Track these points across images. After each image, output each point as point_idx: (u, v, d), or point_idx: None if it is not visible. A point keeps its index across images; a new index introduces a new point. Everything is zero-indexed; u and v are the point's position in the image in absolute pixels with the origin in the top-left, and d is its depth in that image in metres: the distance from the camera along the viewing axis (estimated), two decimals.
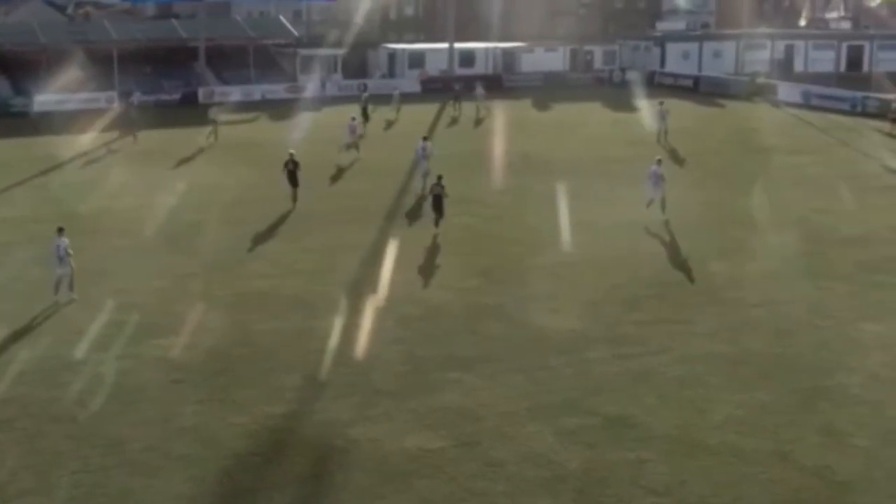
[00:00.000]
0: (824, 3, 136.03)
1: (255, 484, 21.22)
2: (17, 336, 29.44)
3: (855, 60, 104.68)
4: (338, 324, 30.54)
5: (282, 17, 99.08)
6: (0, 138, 64.81)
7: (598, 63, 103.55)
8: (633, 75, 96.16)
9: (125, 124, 65.27)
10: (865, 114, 75.86)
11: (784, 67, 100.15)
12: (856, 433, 23.39)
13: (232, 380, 26.41)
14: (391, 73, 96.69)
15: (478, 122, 73.38)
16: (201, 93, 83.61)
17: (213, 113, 65.73)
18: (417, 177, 48.94)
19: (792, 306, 32.13)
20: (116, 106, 77.45)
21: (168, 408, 24.71)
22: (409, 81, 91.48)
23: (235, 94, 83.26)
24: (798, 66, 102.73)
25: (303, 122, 69.69)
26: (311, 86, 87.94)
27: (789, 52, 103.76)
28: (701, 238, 40.06)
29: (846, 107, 78.33)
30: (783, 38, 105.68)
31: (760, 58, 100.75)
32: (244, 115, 71.61)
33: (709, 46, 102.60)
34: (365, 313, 31.50)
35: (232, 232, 41.16)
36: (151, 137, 64.75)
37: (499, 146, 58.97)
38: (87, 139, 63.24)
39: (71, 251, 32.45)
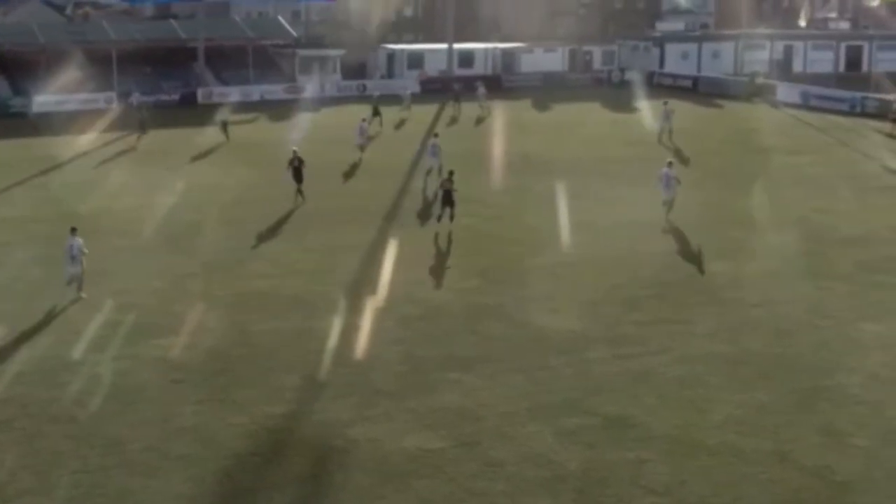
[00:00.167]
0: (823, 4, 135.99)
1: (255, 484, 21.21)
2: (17, 336, 29.41)
3: (854, 61, 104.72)
4: (337, 324, 30.54)
5: (280, 18, 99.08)
6: (0, 139, 64.81)
7: (597, 63, 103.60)
8: (632, 76, 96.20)
9: (137, 124, 65.26)
10: (865, 114, 75.87)
11: (783, 68, 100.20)
12: (856, 433, 23.38)
13: (231, 380, 26.40)
14: (390, 74, 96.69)
15: (479, 120, 73.48)
16: (200, 93, 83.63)
17: (221, 115, 66.22)
18: (425, 173, 49.36)
19: (792, 306, 32.13)
20: (115, 106, 77.59)
21: (167, 408, 24.70)
22: (409, 82, 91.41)
23: (234, 94, 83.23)
24: (797, 66, 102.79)
25: (302, 123, 69.71)
26: (309, 86, 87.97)
27: (788, 52, 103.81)
28: (701, 238, 40.06)
29: (845, 107, 78.33)
30: (782, 38, 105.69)
31: (759, 58, 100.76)
32: (243, 116, 71.53)
33: (708, 47, 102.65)
34: (365, 313, 31.50)
35: (231, 232, 41.17)
36: (151, 138, 64.72)
37: (498, 146, 58.98)
38: (86, 139, 63.28)
39: (86, 250, 32.74)
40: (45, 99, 77.88)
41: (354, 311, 31.77)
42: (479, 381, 26.30)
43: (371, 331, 30.05)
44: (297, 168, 46.15)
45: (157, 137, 64.84)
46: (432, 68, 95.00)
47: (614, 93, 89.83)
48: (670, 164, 44.01)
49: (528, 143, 61.59)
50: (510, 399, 25.24)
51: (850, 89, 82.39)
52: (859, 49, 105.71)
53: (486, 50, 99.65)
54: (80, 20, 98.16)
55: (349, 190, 49.27)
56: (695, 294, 33.43)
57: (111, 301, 32.49)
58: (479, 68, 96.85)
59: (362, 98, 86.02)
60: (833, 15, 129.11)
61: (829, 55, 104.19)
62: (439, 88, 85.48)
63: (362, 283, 34.81)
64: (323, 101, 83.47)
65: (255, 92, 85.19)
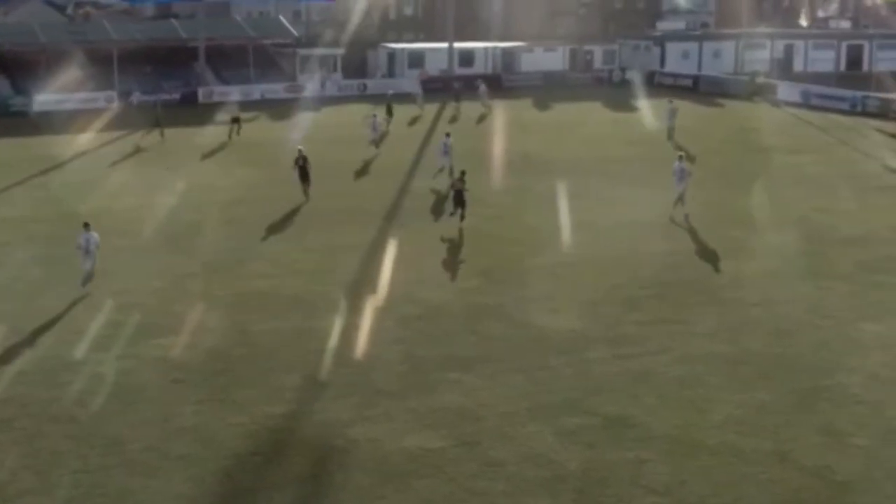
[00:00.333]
0: (823, 3, 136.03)
1: (255, 484, 21.20)
2: (17, 336, 29.38)
3: (854, 60, 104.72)
4: (338, 324, 30.54)
5: (281, 17, 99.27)
6: (0, 138, 64.80)
7: (597, 63, 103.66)
8: (632, 75, 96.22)
9: (152, 123, 65.34)
10: (865, 113, 75.89)
11: (783, 67, 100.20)
12: (856, 433, 23.37)
13: (232, 380, 26.40)
14: (391, 73, 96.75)
15: (480, 119, 73.57)
16: (201, 92, 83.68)
17: (232, 111, 66.92)
18: (436, 171, 49.61)
19: (792, 306, 32.12)
20: (116, 105, 77.68)
21: (168, 408, 24.70)
22: (409, 81, 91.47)
23: (235, 93, 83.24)
24: (798, 65, 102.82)
25: (302, 122, 69.71)
26: (310, 85, 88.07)
27: (789, 51, 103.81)
28: (701, 238, 40.09)
29: (846, 106, 78.33)
30: (783, 37, 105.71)
31: (760, 57, 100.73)
32: (244, 115, 71.44)
33: (708, 46, 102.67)
34: (365, 313, 31.50)
35: (232, 232, 41.19)
36: (152, 137, 64.73)
37: (499, 146, 58.98)
38: (86, 139, 63.34)
39: (99, 245, 33.27)
40: (45, 98, 77.99)
41: (355, 310, 31.77)
42: (479, 381, 26.30)
43: (371, 331, 30.04)
44: (302, 167, 46.48)
45: (158, 137, 64.78)
46: (433, 67, 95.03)
47: (615, 92, 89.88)
48: (681, 157, 44.31)
49: (528, 143, 61.61)
50: (510, 399, 25.23)
51: (850, 88, 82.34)
52: (860, 48, 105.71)
53: (486, 49, 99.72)
54: (80, 20, 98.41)
55: (350, 189, 49.26)
56: (695, 294, 33.42)
57: (112, 301, 32.50)
58: (479, 67, 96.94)
59: (363, 97, 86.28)
60: (833, 13, 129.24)
61: (830, 54, 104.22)
62: (440, 88, 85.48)
63: (362, 282, 34.82)
64: (323, 101, 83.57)
65: (256, 91, 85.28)
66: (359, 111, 77.66)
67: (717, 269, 36.10)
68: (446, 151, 49.99)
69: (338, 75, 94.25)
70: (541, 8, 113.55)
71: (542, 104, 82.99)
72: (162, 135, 63.93)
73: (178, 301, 32.72)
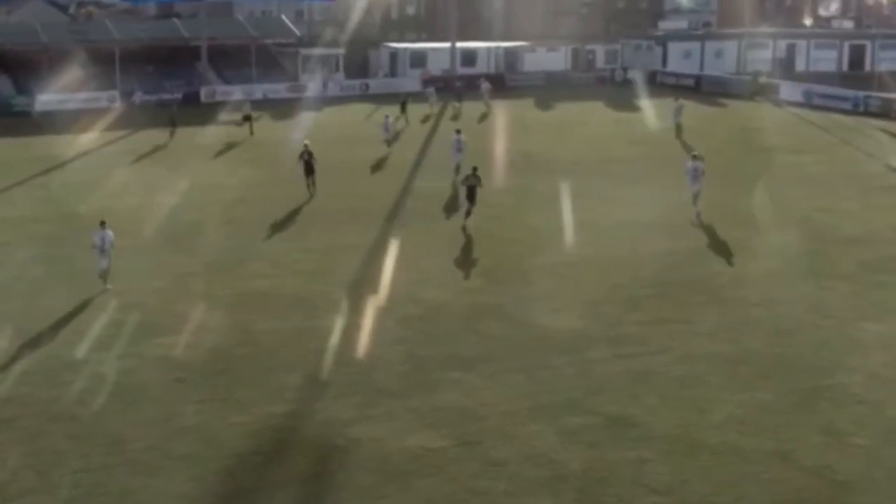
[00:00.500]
0: (826, 2, 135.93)
1: (257, 483, 21.23)
2: (19, 335, 29.38)
3: (857, 60, 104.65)
4: (339, 323, 30.55)
5: (284, 17, 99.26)
6: (2, 137, 64.96)
7: (599, 62, 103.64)
8: (634, 75, 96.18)
9: (168, 121, 65.38)
10: (868, 113, 75.84)
11: (786, 67, 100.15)
12: (857, 433, 23.37)
13: (233, 379, 26.42)
14: (393, 73, 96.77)
15: (482, 117, 73.63)
16: (203, 92, 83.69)
17: (244, 109, 67.21)
18: (452, 169, 49.78)
19: (793, 306, 32.11)
20: (118, 105, 77.74)
21: (169, 407, 24.73)
22: (411, 81, 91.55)
23: (237, 93, 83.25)
24: (800, 65, 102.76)
25: (304, 122, 69.70)
26: (312, 85, 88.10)
27: (791, 51, 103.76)
28: (702, 237, 40.11)
29: (848, 106, 78.27)
30: (785, 37, 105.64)
31: (762, 57, 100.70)
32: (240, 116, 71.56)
33: (710, 46, 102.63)
34: (366, 313, 31.52)
35: (233, 231, 41.22)
36: (154, 137, 64.80)
37: (500, 145, 58.96)
38: (88, 138, 63.39)
39: (114, 243, 33.49)
40: (48, 98, 78.04)
41: (356, 310, 31.79)
42: (480, 381, 26.31)
43: (373, 330, 30.06)
44: (307, 162, 47.09)
45: (160, 136, 64.84)
46: (435, 67, 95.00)
47: (617, 92, 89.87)
48: (695, 156, 44.47)
49: (530, 143, 61.62)
50: (512, 398, 25.25)
51: (853, 88, 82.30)
52: (862, 48, 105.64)
53: (488, 49, 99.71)
54: (83, 19, 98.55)
55: (352, 189, 49.21)
56: (696, 294, 33.41)
57: (113, 300, 32.56)
58: (481, 67, 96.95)
59: (365, 97, 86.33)
60: (836, 12, 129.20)
61: (832, 54, 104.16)
62: (442, 87, 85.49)
63: (364, 282, 34.83)
64: (325, 100, 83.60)
65: (258, 91, 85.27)
66: (361, 111, 78.10)
67: (718, 269, 36.08)
68: (459, 148, 50.36)
69: (340, 75, 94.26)
70: (543, 8, 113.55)
71: (544, 104, 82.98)
72: (171, 134, 63.94)
73: (180, 300, 32.75)
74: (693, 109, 75.13)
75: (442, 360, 27.60)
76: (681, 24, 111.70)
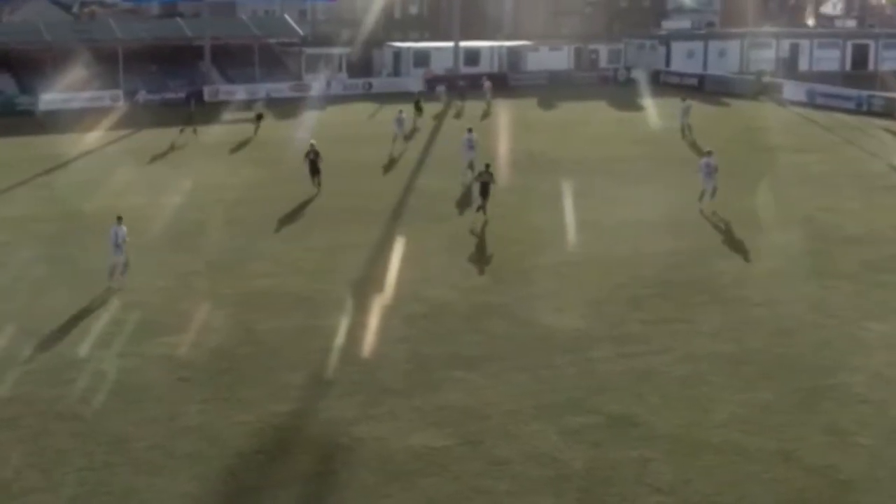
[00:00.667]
0: (829, 2, 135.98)
1: (260, 482, 21.26)
2: (22, 334, 29.39)
3: (860, 59, 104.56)
4: (342, 322, 30.57)
5: (287, 16, 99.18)
6: (6, 137, 64.98)
7: (602, 62, 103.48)
8: (637, 74, 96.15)
9: (186, 120, 65.52)
10: (871, 112, 75.81)
11: (789, 66, 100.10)
12: (859, 432, 23.38)
13: (237, 378, 26.46)
14: (396, 72, 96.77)
15: (484, 115, 73.69)
16: (206, 91, 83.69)
17: (256, 107, 67.81)
18: (464, 167, 49.90)
19: (796, 305, 32.12)
20: (122, 104, 77.82)
21: (173, 406, 24.76)
22: (415, 80, 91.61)
23: (240, 92, 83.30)
24: (803, 64, 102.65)
25: (308, 121, 69.71)
26: (316, 85, 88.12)
27: (794, 50, 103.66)
28: (705, 237, 40.12)
29: (851, 105, 78.24)
30: (788, 36, 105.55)
31: (765, 56, 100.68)
32: (249, 114, 71.57)
33: (714, 45, 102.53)
34: (369, 312, 31.55)
35: (236, 231, 41.25)
36: (157, 136, 64.87)
37: (504, 145, 58.90)
38: (92, 138, 63.44)
39: (128, 239, 33.61)
40: (51, 97, 78.05)
41: (359, 309, 31.81)
42: (484, 380, 26.34)
43: (376, 329, 30.09)
44: (313, 161, 47.47)
45: (163, 136, 64.88)
46: (438, 66, 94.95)
47: (620, 91, 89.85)
48: (709, 153, 44.57)
49: (533, 142, 61.60)
50: (515, 397, 25.28)
51: (856, 88, 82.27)
52: (865, 47, 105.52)
53: (491, 48, 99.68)
54: (86, 19, 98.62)
55: (356, 188, 49.19)
56: (699, 293, 33.43)
57: (116, 299, 32.59)
58: (484, 66, 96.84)
59: (368, 96, 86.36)
60: (840, 11, 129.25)
61: (836, 53, 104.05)
62: (445, 86, 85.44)
63: (368, 281, 34.85)
64: (329, 100, 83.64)
65: (261, 90, 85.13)
66: (364, 110, 78.15)
67: (721, 269, 36.06)
68: (471, 146, 50.51)
69: (343, 74, 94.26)
70: (546, 7, 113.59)
71: (547, 103, 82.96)
72: (182, 131, 64.04)
73: (183, 299, 32.79)
74: (696, 109, 74.85)
75: (445, 359, 27.63)
76: (684, 23, 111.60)
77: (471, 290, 33.75)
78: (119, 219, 33.87)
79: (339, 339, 29.28)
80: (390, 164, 56.06)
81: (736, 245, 39.00)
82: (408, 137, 61.30)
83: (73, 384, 25.95)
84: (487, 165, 42.63)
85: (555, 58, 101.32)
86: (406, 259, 37.22)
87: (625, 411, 24.42)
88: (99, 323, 30.45)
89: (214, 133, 65.84)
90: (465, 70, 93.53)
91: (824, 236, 40.38)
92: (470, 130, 51.93)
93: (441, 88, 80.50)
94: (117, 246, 33.49)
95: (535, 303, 32.45)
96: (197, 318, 30.91)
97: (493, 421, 23.97)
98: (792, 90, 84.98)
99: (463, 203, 45.75)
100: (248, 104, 75.30)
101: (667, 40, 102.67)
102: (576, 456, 22.25)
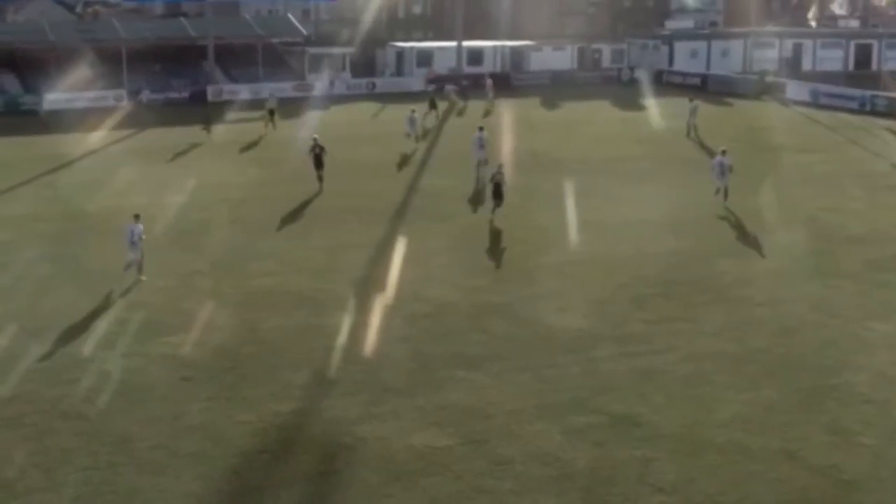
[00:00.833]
0: (832, 1, 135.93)
1: (263, 482, 21.30)
2: (26, 334, 29.44)
3: (863, 59, 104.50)
4: (345, 321, 30.60)
5: (290, 16, 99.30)
6: (10, 136, 65.03)
7: (606, 62, 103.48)
8: (641, 74, 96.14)
9: (204, 119, 65.47)
10: (874, 112, 75.80)
11: (792, 66, 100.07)
12: (863, 432, 23.41)
13: (240, 377, 26.50)
14: (399, 72, 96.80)
15: (485, 113, 73.75)
16: (210, 91, 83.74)
17: (270, 103, 67.67)
18: (474, 166, 50.10)
19: (799, 305, 32.13)
20: (125, 104, 77.87)
21: (176, 405, 24.81)
22: (418, 80, 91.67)
23: (244, 92, 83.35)
24: (806, 64, 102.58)
25: (311, 121, 69.70)
26: (319, 84, 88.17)
27: (797, 50, 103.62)
28: (708, 236, 40.13)
29: (855, 105, 78.21)
30: (791, 36, 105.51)
31: (769, 56, 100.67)
32: (252, 114, 71.62)
33: (717, 45, 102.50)
34: (372, 311, 31.57)
35: (239, 230, 41.30)
36: (160, 135, 64.91)
37: (507, 144, 58.86)
38: (96, 137, 63.50)
39: (144, 236, 34.05)
40: (55, 96, 78.11)
41: (362, 308, 31.85)
42: (486, 379, 26.37)
43: (379, 328, 30.13)
44: (317, 156, 47.89)
45: (167, 135, 64.95)
46: (441, 66, 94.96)
47: (623, 91, 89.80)
48: (724, 152, 44.80)
49: (536, 142, 61.59)
50: (518, 397, 25.31)
51: (859, 87, 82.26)
52: (868, 47, 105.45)
53: (495, 48, 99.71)
54: (90, 18, 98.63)
55: (358, 187, 49.20)
56: (702, 292, 33.44)
57: (120, 299, 32.66)
58: (488, 66, 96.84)
59: (371, 96, 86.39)
60: (845, 10, 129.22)
61: (839, 53, 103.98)
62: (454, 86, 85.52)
63: (370, 280, 34.88)
64: (332, 99, 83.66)
65: (265, 90, 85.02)
66: (367, 110, 78.22)
67: (724, 268, 36.04)
68: (482, 145, 50.66)
69: (346, 74, 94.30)
70: (549, 7, 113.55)
71: (550, 103, 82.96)
72: (207, 130, 64.15)
73: (186, 299, 32.83)
74: (700, 109, 75.09)
75: (448, 359, 27.66)
76: (687, 23, 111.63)
77: (473, 290, 33.76)
78: (136, 216, 34.17)
79: (342, 338, 29.31)
80: (402, 163, 56.29)
81: (739, 244, 39.02)
82: (419, 138, 61.25)
83: (77, 383, 26.00)
84: (500, 166, 42.70)
85: (558, 58, 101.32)
86: (409, 258, 37.24)
87: (628, 411, 24.44)
88: (102, 322, 30.51)
89: (218, 132, 65.80)
90: (469, 70, 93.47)
91: (827, 236, 40.38)
92: (481, 129, 52.04)
93: (450, 87, 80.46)
94: (133, 243, 33.78)
95: (538, 302, 32.47)
96: (200, 317, 30.96)
97: (495, 420, 24.00)
98: (795, 90, 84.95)
99: (468, 202, 45.81)
100: (251, 104, 75.34)
101: (670, 40, 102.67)
102: (579, 455, 22.28)
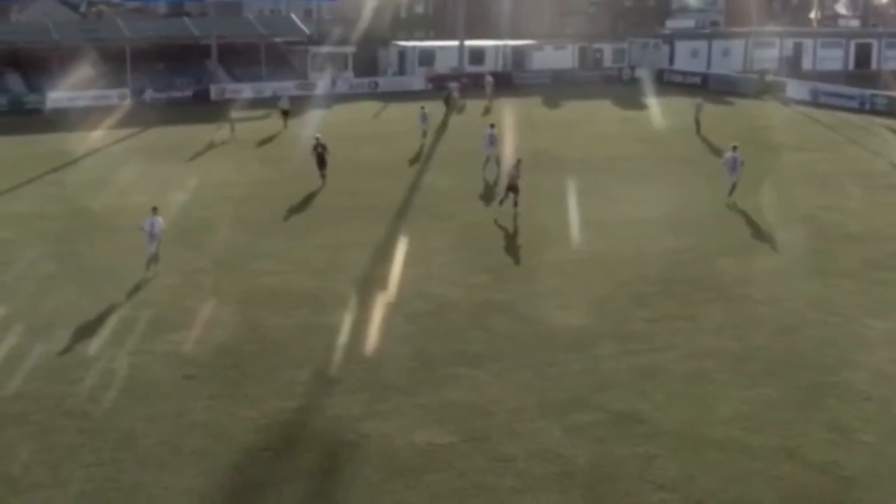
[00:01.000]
0: (833, 1, 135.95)
1: (266, 478, 21.39)
2: (30, 332, 29.54)
3: (863, 58, 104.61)
4: (347, 320, 30.69)
5: (293, 15, 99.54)
6: (14, 135, 65.19)
7: (607, 61, 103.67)
8: (642, 73, 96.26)
9: (224, 118, 65.77)
10: (874, 111, 75.90)
11: (792, 65, 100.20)
12: (862, 429, 23.49)
13: (242, 375, 26.60)
14: (401, 71, 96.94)
15: (485, 111, 73.89)
16: (213, 90, 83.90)
17: (283, 103, 68.84)
18: (484, 162, 50.65)
19: (798, 303, 32.20)
20: (129, 103, 78.06)
21: (180, 403, 24.91)
22: (419, 79, 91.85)
23: (246, 91, 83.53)
24: (806, 63, 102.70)
25: (314, 120, 69.80)
26: (321, 83, 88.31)
27: (798, 49, 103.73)
28: (708, 235, 40.20)
29: (854, 104, 78.33)
30: (791, 35, 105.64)
31: (769, 55, 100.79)
32: (254, 113, 71.74)
33: (718, 44, 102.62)
34: (374, 309, 31.66)
35: (242, 228, 41.40)
36: (163, 134, 65.03)
37: (508, 143, 58.90)
38: (99, 136, 63.66)
39: (163, 229, 34.56)
40: (59, 95, 78.31)
41: (364, 307, 31.94)
42: (488, 377, 26.46)
43: (381, 326, 30.21)
44: (320, 154, 48.60)
45: (170, 134, 65.09)
46: (443, 65, 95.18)
47: (624, 90, 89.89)
48: (735, 147, 45.21)
49: (537, 141, 61.55)
50: (519, 395, 25.38)
51: (859, 87, 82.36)
52: (868, 47, 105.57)
53: (496, 47, 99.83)
54: (93, 18, 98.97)
55: (360, 186, 49.31)
56: (702, 291, 33.53)
57: (123, 297, 32.74)
58: (489, 65, 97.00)
59: (373, 95, 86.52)
60: (847, 9, 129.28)
61: (839, 53, 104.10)
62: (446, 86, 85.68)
63: (372, 279, 34.96)
64: (334, 98, 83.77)
65: (268, 89, 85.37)
66: (370, 108, 78.33)
67: (724, 267, 36.11)
68: (492, 142, 51.03)
69: (349, 73, 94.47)
70: (551, 6, 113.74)
71: (551, 102, 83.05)
72: (232, 129, 64.44)
73: (190, 297, 32.93)
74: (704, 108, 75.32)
75: (450, 357, 27.76)
76: (688, 22, 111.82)
77: (475, 288, 33.86)
78: (155, 209, 34.66)
79: (344, 336, 29.39)
80: (415, 158, 57.11)
81: (739, 243, 39.08)
82: (426, 133, 62.09)
83: (81, 381, 26.10)
84: (519, 161, 43.08)
85: (559, 57, 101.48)
86: (410, 257, 37.33)
87: (629, 408, 24.53)
88: (106, 320, 30.60)
89: (222, 131, 65.86)
90: (471, 69, 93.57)
91: (827, 234, 40.47)
92: (492, 126, 52.29)
93: (453, 85, 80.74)
94: (152, 236, 34.24)
95: (539, 300, 32.56)
96: (203, 315, 31.06)
97: (497, 418, 24.09)
98: (795, 89, 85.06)
99: (471, 201, 45.92)
100: (253, 102, 75.52)
101: (671, 39, 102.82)
102: (580, 452, 22.37)
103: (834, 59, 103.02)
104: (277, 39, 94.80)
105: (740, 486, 21.00)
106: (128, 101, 78.97)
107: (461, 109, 75.89)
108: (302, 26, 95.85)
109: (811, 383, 26.04)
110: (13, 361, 27.37)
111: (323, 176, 48.40)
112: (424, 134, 62.10)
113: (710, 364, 27.29)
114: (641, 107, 79.31)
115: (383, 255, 37.82)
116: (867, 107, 77.44)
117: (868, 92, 79.53)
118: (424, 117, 62.33)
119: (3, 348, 28.35)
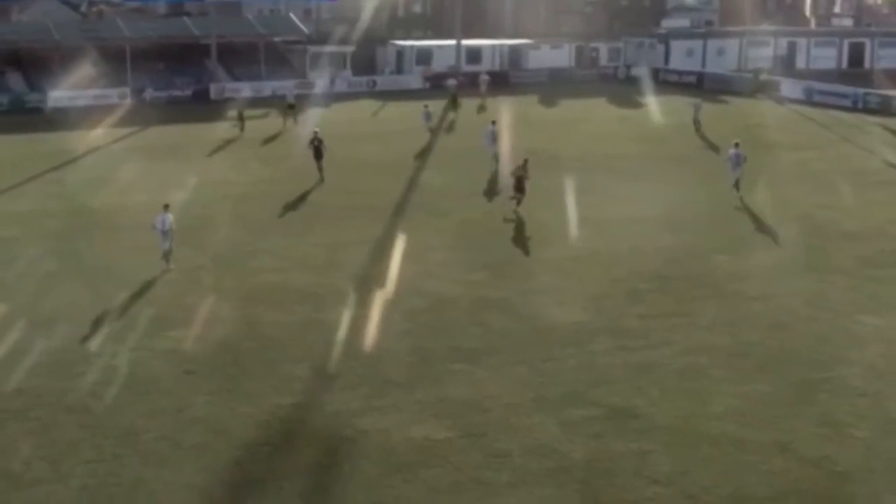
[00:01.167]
0: (828, 1, 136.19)
1: (265, 473, 21.50)
2: (31, 328, 29.68)
3: (856, 57, 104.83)
4: (346, 316, 30.82)
5: (292, 15, 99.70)
6: (15, 133, 65.38)
7: (603, 60, 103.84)
8: (637, 72, 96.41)
9: (237, 118, 65.99)
10: (867, 110, 76.12)
11: (786, 64, 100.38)
12: (855, 424, 23.59)
13: (242, 371, 26.74)
14: (399, 70, 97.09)
15: (480, 109, 74.02)
16: (213, 89, 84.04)
17: (289, 98, 69.66)
18: (489, 160, 51.00)
19: (792, 299, 32.34)
20: (129, 102, 78.24)
21: (180, 398, 25.04)
22: (417, 78, 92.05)
23: (246, 90, 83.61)
24: (800, 62, 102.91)
25: (312, 118, 69.89)
26: (320, 82, 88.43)
27: (792, 49, 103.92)
28: (704, 232, 40.33)
29: (848, 103, 78.54)
30: (786, 35, 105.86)
31: (763, 55, 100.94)
32: (254, 112, 71.80)
33: (712, 43, 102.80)
34: (372, 306, 31.79)
35: (241, 226, 41.55)
36: (163, 133, 65.14)
37: (505, 142, 59.02)
38: (99, 134, 63.76)
39: (174, 226, 34.85)
40: (59, 94, 78.50)
41: (363, 303, 32.08)
42: (485, 373, 26.59)
43: (379, 323, 30.33)
44: (317, 148, 49.27)
45: (170, 133, 65.21)
46: (440, 64, 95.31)
47: (620, 89, 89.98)
48: (737, 144, 45.64)
49: (534, 139, 61.52)
50: (516, 390, 25.50)
51: (852, 85, 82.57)
52: (861, 46, 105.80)
53: (493, 46, 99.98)
54: (94, 18, 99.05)
55: (359, 185, 49.43)
56: (697, 287, 33.67)
57: (124, 294, 32.87)
58: (486, 64, 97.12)
59: (372, 94, 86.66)
60: (843, 9, 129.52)
61: (832, 52, 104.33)
62: (444, 84, 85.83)
63: (370, 276, 35.08)
64: (333, 97, 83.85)
65: (267, 88, 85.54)
66: (368, 107, 78.44)
67: (718, 264, 36.24)
68: (494, 139, 51.14)
69: (347, 72, 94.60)
70: (547, 6, 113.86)
71: (548, 101, 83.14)
72: (241, 129, 64.70)
73: (190, 294, 33.07)
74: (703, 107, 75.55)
75: (447, 353, 27.90)
76: (683, 22, 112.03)
77: (472, 285, 34.00)
78: (166, 206, 35.12)
79: (343, 332, 29.52)
80: (420, 154, 57.71)
81: (733, 241, 39.19)
82: (434, 130, 62.98)
83: (82, 377, 26.24)
84: (525, 161, 43.19)
85: (556, 56, 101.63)
86: (408, 254, 37.47)
87: (624, 404, 24.65)
88: (107, 317, 30.75)
89: (220, 130, 66.02)
90: (468, 68, 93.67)
91: (820, 232, 40.62)
92: (494, 123, 52.50)
93: (451, 82, 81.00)
94: (164, 233, 34.57)
95: (536, 297, 32.71)
96: (203, 312, 31.21)
97: (494, 413, 24.22)
98: (789, 88, 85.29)
99: (469, 198, 46.06)
100: (253, 101, 75.73)
101: (666, 39, 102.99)
102: (576, 448, 22.49)
103: (827, 58, 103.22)
104: (277, 39, 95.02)
105: (734, 480, 21.09)
106: (128, 101, 79.15)
107: (457, 107, 75.92)
108: (301, 26, 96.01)
109: (804, 379, 26.18)
110: (14, 358, 27.48)
111: (320, 169, 48.86)
112: (431, 132, 62.69)
113: (704, 360, 27.43)
114: (637, 106, 79.46)
115: (382, 252, 37.97)
116: (860, 105, 77.68)
117: (861, 91, 79.79)
118: (428, 116, 62.85)
119: (5, 345, 28.46)
